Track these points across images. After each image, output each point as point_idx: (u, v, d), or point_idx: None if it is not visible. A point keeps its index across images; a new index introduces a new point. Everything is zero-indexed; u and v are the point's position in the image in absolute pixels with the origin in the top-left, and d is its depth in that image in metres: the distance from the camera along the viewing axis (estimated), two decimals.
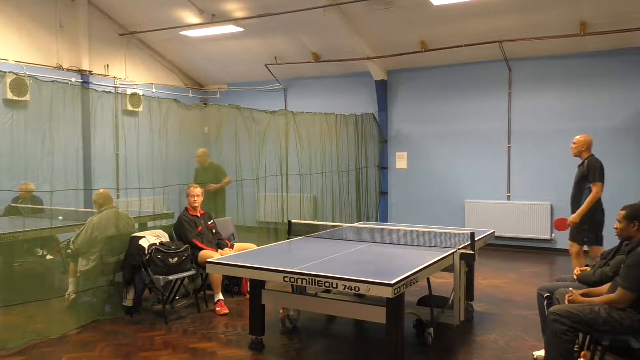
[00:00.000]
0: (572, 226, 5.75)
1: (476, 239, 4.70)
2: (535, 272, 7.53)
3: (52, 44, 9.07)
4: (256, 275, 4.21)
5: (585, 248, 5.84)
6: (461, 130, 9.50)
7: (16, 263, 5.83)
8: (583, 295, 3.69)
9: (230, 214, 7.44)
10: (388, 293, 3.53)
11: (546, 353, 3.68)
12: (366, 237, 5.52)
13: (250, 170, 7.55)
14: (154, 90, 10.57)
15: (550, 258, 8.50)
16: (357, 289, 3.64)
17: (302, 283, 3.88)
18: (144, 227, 6.51)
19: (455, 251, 4.61)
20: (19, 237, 5.61)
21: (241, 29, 9.38)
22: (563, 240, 8.71)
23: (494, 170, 9.25)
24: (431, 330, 4.60)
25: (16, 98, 7.27)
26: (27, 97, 7.00)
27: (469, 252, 4.61)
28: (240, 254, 5.10)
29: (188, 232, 5.85)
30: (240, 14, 9.09)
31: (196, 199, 6.05)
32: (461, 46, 8.78)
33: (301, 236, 5.61)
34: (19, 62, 8.45)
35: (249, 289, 5.28)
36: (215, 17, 9.17)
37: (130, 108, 8.41)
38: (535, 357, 4.27)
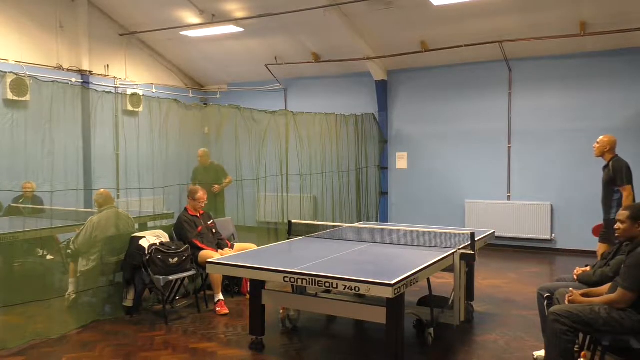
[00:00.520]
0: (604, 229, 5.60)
1: (476, 239, 4.70)
2: (535, 272, 7.53)
3: (52, 44, 9.07)
4: (256, 275, 4.21)
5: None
6: (461, 130, 9.50)
7: (16, 263, 5.82)
8: (583, 295, 3.68)
9: (230, 214, 7.44)
10: (388, 293, 3.53)
11: (546, 353, 3.68)
12: (366, 237, 5.52)
13: (250, 170, 7.55)
14: (154, 90, 10.57)
15: (550, 258, 8.51)
16: (357, 289, 3.64)
17: (302, 283, 3.88)
18: (144, 227, 6.51)
19: (455, 251, 4.61)
20: (19, 237, 5.61)
21: (241, 29, 9.38)
22: (563, 240, 8.73)
23: (494, 170, 9.25)
24: (431, 330, 4.60)
25: (16, 98, 7.27)
26: (27, 97, 7.00)
27: (469, 252, 4.60)
28: (240, 254, 5.10)
29: (188, 232, 5.85)
30: (240, 14, 9.09)
31: (203, 204, 6.07)
32: (461, 46, 8.78)
33: (301, 236, 5.61)
34: (19, 62, 8.45)
35: (249, 289, 5.28)
36: (215, 17, 9.17)
37: (130, 108, 8.41)
38: (535, 357, 4.27)
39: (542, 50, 8.65)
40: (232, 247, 6.14)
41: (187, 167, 7.20)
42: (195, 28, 9.49)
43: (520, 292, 6.35)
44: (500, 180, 9.22)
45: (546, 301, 4.03)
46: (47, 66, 8.91)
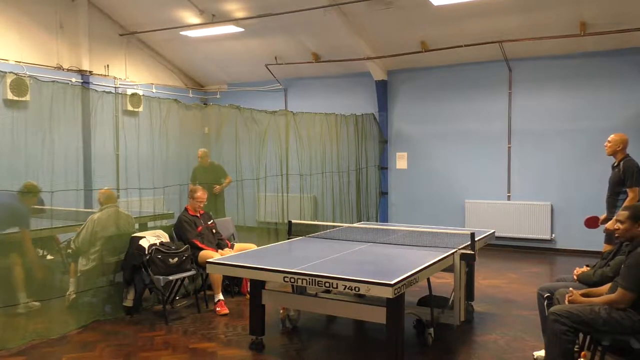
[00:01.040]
0: (608, 232, 5.53)
1: (476, 239, 4.70)
2: (535, 272, 7.53)
3: (52, 44, 9.07)
4: (256, 275, 4.21)
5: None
6: (461, 130, 9.50)
7: (16, 263, 5.81)
8: (583, 295, 3.68)
9: (230, 214, 7.44)
10: (388, 293, 3.53)
11: (546, 353, 3.68)
12: (366, 237, 5.52)
13: (250, 170, 7.54)
14: (154, 90, 10.57)
15: (550, 258, 8.50)
16: (357, 289, 3.64)
17: (302, 283, 3.88)
18: (144, 227, 6.51)
19: (455, 251, 4.61)
20: (19, 237, 5.60)
21: (241, 29, 9.38)
22: (563, 240, 8.73)
23: (494, 170, 9.25)
24: (431, 330, 4.60)
25: (16, 98, 7.27)
26: (27, 97, 7.00)
27: (469, 252, 4.61)
28: (240, 254, 5.10)
29: (188, 232, 5.86)
30: (240, 14, 9.09)
31: (202, 204, 6.07)
32: (461, 46, 8.78)
33: (301, 236, 5.61)
34: (19, 62, 8.45)
35: (249, 289, 5.28)
36: (215, 17, 9.17)
37: (130, 108, 8.41)
38: (535, 357, 4.27)
39: (542, 50, 8.65)
40: (232, 247, 6.14)
41: (187, 167, 7.20)
42: (195, 28, 9.49)
43: (520, 292, 6.35)
44: (500, 180, 9.22)
45: (546, 301, 4.03)
46: (47, 66, 8.92)
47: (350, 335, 5.14)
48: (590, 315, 3.44)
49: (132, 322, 5.33)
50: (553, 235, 8.81)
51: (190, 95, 11.75)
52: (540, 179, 8.90)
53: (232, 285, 6.21)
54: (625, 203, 5.32)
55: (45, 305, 5.11)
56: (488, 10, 7.94)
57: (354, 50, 9.55)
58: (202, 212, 6.16)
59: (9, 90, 7.27)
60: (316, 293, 4.74)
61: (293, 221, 5.70)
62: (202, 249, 5.80)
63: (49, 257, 6.19)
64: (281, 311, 5.09)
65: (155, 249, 5.38)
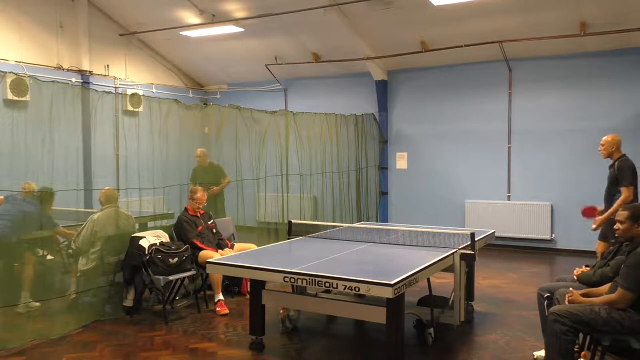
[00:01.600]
0: (599, 226, 5.63)
1: (476, 239, 4.70)
2: (535, 272, 7.53)
3: (52, 44, 9.07)
4: (256, 275, 4.21)
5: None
6: (461, 130, 9.50)
7: (16, 263, 5.81)
8: (583, 295, 3.68)
9: (230, 214, 7.44)
10: (388, 293, 3.53)
11: (546, 353, 3.69)
12: (366, 237, 5.52)
13: (250, 170, 7.54)
14: (154, 90, 10.57)
15: (550, 258, 8.51)
16: (357, 289, 3.64)
17: (302, 283, 3.88)
18: (144, 227, 6.51)
19: (455, 251, 4.61)
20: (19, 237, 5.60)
21: (241, 29, 9.38)
22: (563, 240, 8.73)
23: (494, 170, 9.25)
24: (431, 330, 4.60)
25: (16, 98, 7.27)
26: (27, 97, 6.99)
27: (469, 252, 4.61)
28: (240, 254, 5.10)
29: (188, 232, 5.85)
30: (240, 14, 9.09)
31: (202, 205, 6.07)
32: (461, 46, 8.78)
33: (301, 236, 5.61)
34: (19, 62, 8.45)
35: (249, 289, 5.28)
36: (215, 17, 9.17)
37: (130, 108, 8.41)
38: (535, 357, 4.27)
39: (542, 50, 8.65)
40: (232, 247, 6.14)
41: (187, 167, 7.20)
42: (195, 28, 9.49)
43: (520, 292, 6.35)
44: (500, 180, 9.22)
45: (546, 301, 4.03)
46: (47, 66, 8.91)
47: (350, 335, 5.14)
48: (590, 315, 3.44)
49: (132, 322, 5.33)
50: (553, 235, 8.81)
51: (190, 95, 11.75)
52: (540, 179, 8.90)
53: (232, 285, 6.21)
54: (618, 202, 5.41)
55: (45, 305, 5.11)
56: (488, 10, 7.94)
57: (354, 50, 9.55)
58: (202, 212, 6.15)
59: (9, 90, 7.27)
60: (316, 293, 4.74)
61: (293, 221, 5.70)
62: (202, 249, 5.79)
63: (49, 257, 6.19)
64: (281, 311, 5.09)
65: (155, 249, 5.38)
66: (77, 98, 5.78)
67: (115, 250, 5.56)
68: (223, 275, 5.73)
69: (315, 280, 3.80)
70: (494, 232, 5.78)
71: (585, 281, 4.07)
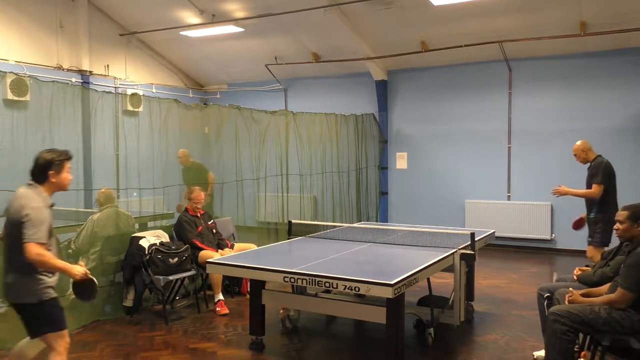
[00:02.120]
0: (558, 192, 5.77)
1: (476, 239, 4.70)
2: (535, 272, 7.53)
3: (52, 44, 9.07)
4: (256, 275, 4.21)
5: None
6: (461, 130, 9.50)
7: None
8: (583, 295, 3.68)
9: (230, 214, 7.44)
10: (388, 293, 3.53)
11: (546, 353, 3.68)
12: (366, 237, 5.52)
13: (250, 170, 7.54)
14: (154, 90, 10.57)
15: (550, 258, 8.51)
16: (357, 289, 3.64)
17: (302, 283, 3.88)
18: (144, 227, 6.51)
19: (455, 251, 4.61)
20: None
21: (241, 29, 9.38)
22: (563, 240, 8.73)
23: (494, 170, 9.25)
24: (431, 330, 4.60)
25: (16, 98, 7.27)
26: (27, 97, 6.99)
27: (469, 252, 4.61)
28: (240, 254, 5.11)
29: (188, 232, 5.85)
30: (240, 14, 9.09)
31: (200, 205, 6.07)
32: (461, 46, 8.78)
33: (301, 236, 5.61)
34: (19, 62, 8.45)
35: (249, 289, 5.28)
36: (215, 17, 9.17)
37: (130, 108, 8.41)
38: (535, 357, 4.27)
39: (542, 50, 8.65)
40: (232, 247, 6.14)
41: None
42: (195, 28, 9.49)
43: (520, 292, 6.35)
44: (500, 180, 9.22)
45: (546, 301, 4.03)
46: (47, 66, 8.91)
47: (350, 335, 5.14)
48: (590, 315, 3.44)
49: (132, 322, 5.33)
50: (553, 235, 8.81)
51: (190, 95, 11.75)
52: (540, 179, 8.89)
53: (232, 285, 6.21)
54: (583, 194, 5.60)
55: None
56: (488, 10, 7.94)
57: (354, 50, 9.55)
58: (202, 212, 6.16)
59: (9, 90, 7.27)
60: (316, 293, 4.74)
61: (293, 221, 5.70)
62: (202, 249, 5.80)
63: None
64: (281, 311, 5.09)
65: (155, 249, 5.38)
66: (77, 98, 5.78)
67: (115, 250, 5.56)
68: (223, 275, 5.73)
69: (315, 280, 3.80)
70: (494, 232, 5.79)
71: (585, 281, 4.07)
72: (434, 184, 9.76)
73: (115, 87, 9.92)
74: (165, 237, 5.80)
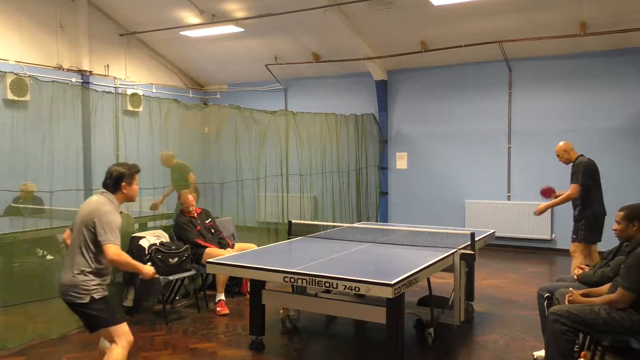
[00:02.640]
0: (540, 212, 5.93)
1: (476, 239, 4.70)
2: (535, 272, 7.53)
3: (52, 44, 9.06)
4: (256, 275, 4.21)
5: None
6: (461, 130, 9.50)
7: (16, 263, 5.82)
8: (583, 295, 3.68)
9: (230, 214, 7.43)
10: (388, 293, 3.53)
11: (546, 353, 3.69)
12: (366, 237, 5.52)
13: (250, 170, 7.53)
14: (154, 90, 10.57)
15: (550, 258, 8.51)
16: (357, 289, 3.64)
17: (302, 283, 3.88)
18: (144, 227, 6.50)
19: (455, 251, 4.61)
20: (18, 237, 5.61)
21: (241, 29, 9.38)
22: (563, 240, 8.71)
23: (494, 170, 9.24)
24: (431, 330, 4.60)
25: (16, 98, 7.27)
26: (27, 97, 7.00)
27: (469, 252, 4.60)
28: (240, 254, 5.11)
29: (189, 232, 5.85)
30: (240, 14, 9.09)
31: (192, 206, 6.06)
32: (461, 46, 8.78)
33: (301, 236, 5.61)
34: (19, 62, 8.45)
35: (249, 289, 5.28)
36: (215, 17, 9.17)
37: (130, 108, 8.41)
38: (535, 357, 4.27)
39: (542, 50, 8.65)
40: (232, 247, 6.14)
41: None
42: (195, 28, 9.48)
43: (520, 292, 6.35)
44: (500, 180, 9.22)
45: (546, 301, 4.03)
46: (47, 66, 8.91)
47: (350, 335, 5.14)
48: (590, 315, 3.44)
49: (132, 322, 5.30)
50: (553, 235, 8.81)
51: (190, 95, 11.75)
52: (540, 179, 8.83)
53: (232, 285, 6.21)
54: (563, 196, 5.78)
55: (45, 305, 5.11)
56: (488, 10, 7.94)
57: (354, 50, 9.55)
58: (198, 210, 6.15)
59: (9, 90, 7.28)
60: (316, 293, 4.74)
61: (293, 221, 5.70)
62: (206, 246, 5.79)
63: (49, 257, 6.20)
64: (281, 311, 5.09)
65: (155, 249, 5.38)
66: (77, 98, 5.78)
67: None
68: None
69: (315, 280, 3.80)
70: (494, 232, 5.79)
71: (586, 281, 4.07)
72: (434, 184, 9.75)
73: (115, 87, 9.91)
74: (165, 237, 5.80)
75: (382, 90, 10.09)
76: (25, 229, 5.66)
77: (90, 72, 9.52)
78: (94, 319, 3.30)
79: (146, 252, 5.36)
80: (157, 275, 3.59)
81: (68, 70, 9.23)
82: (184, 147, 7.08)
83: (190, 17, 9.43)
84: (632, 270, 3.42)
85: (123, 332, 3.32)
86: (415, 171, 10.00)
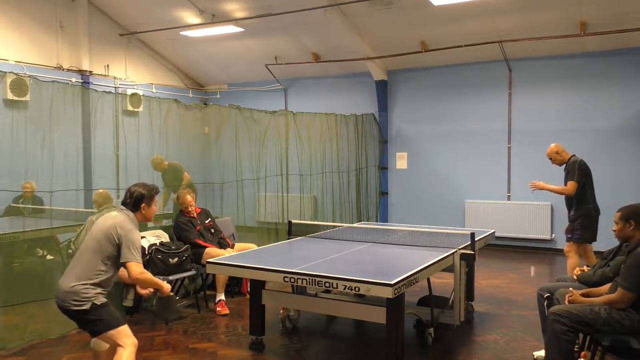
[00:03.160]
0: (535, 186, 6.09)
1: (476, 239, 4.70)
2: (535, 272, 7.53)
3: (52, 44, 9.07)
4: (256, 275, 4.21)
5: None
6: (461, 130, 9.50)
7: (16, 263, 5.83)
8: (583, 295, 3.69)
9: (230, 214, 7.44)
10: (388, 293, 3.53)
11: (546, 353, 3.68)
12: (366, 237, 5.52)
13: (250, 170, 7.54)
14: (154, 90, 10.57)
15: (550, 258, 8.50)
16: (357, 289, 3.64)
17: (302, 283, 3.88)
18: (143, 227, 6.50)
19: (455, 251, 4.61)
20: (19, 237, 5.61)
21: (241, 29, 9.38)
22: (563, 240, 8.67)
23: (494, 170, 9.24)
24: (431, 330, 4.60)
25: (16, 98, 7.27)
26: (27, 97, 7.00)
27: (469, 252, 4.60)
28: (240, 254, 5.10)
29: (189, 233, 5.85)
30: (240, 14, 9.09)
31: (191, 206, 6.05)
32: (461, 46, 8.78)
33: (301, 236, 5.61)
34: (19, 62, 8.45)
35: (249, 289, 5.27)
36: (215, 17, 9.17)
37: (130, 108, 8.41)
38: (535, 357, 4.27)
39: (542, 50, 8.65)
40: (232, 247, 6.14)
41: (187, 167, 7.18)
42: (195, 28, 9.49)
43: (520, 292, 6.35)
44: (500, 180, 9.22)
45: (546, 301, 4.03)
46: (47, 66, 8.91)
47: (350, 335, 5.14)
48: (590, 315, 3.44)
49: (132, 322, 5.31)
50: (553, 235, 8.81)
51: (190, 95, 11.75)
52: (540, 179, 8.81)
53: (232, 285, 6.20)
54: (558, 191, 5.90)
55: (45, 305, 5.11)
56: (488, 10, 7.94)
57: (354, 50, 9.55)
58: (198, 210, 6.15)
59: (9, 90, 7.28)
60: (316, 293, 4.75)
61: (293, 221, 5.70)
62: (206, 246, 5.79)
63: (49, 257, 6.21)
64: (281, 311, 5.09)
65: (155, 249, 5.38)
66: (77, 98, 5.79)
67: None
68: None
69: (315, 280, 3.80)
70: (494, 232, 5.79)
71: (586, 281, 4.08)
72: (434, 184, 9.75)
73: (115, 87, 9.92)
74: (165, 237, 5.80)
75: (382, 90, 10.09)
76: (25, 229, 5.66)
77: (90, 72, 9.53)
78: (96, 324, 3.28)
79: (146, 252, 5.35)
80: (172, 294, 3.66)
81: (68, 70, 9.23)
82: (184, 147, 7.09)
83: (190, 17, 9.43)
84: (631, 270, 3.43)
85: (126, 334, 3.30)
86: (415, 171, 10.00)
